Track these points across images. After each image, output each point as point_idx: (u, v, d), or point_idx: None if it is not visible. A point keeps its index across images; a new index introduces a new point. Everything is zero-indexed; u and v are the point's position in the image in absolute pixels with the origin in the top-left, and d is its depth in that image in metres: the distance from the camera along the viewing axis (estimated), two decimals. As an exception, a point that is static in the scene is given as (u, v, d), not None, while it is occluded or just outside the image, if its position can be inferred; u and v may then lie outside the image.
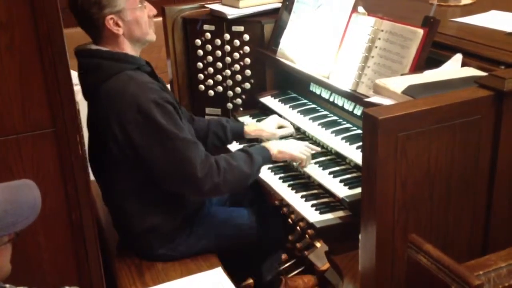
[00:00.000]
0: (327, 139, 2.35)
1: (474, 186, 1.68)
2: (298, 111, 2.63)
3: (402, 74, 2.03)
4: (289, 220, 2.60)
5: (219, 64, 2.91)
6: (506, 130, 1.65)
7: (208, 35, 2.88)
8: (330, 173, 2.23)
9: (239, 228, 2.41)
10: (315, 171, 2.29)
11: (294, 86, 2.83)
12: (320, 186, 2.25)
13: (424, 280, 1.47)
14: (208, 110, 3.03)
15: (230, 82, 2.93)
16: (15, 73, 1.80)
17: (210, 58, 2.92)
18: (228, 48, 2.86)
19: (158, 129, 2.03)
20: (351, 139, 2.28)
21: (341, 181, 2.17)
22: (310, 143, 2.42)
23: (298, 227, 2.89)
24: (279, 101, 2.78)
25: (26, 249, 1.96)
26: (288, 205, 2.36)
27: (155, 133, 2.04)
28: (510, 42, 2.02)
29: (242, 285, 2.70)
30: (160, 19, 2.80)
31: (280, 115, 2.66)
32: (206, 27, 2.88)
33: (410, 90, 1.67)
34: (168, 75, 3.06)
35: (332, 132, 2.37)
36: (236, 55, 2.86)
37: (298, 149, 2.32)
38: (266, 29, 2.81)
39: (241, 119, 2.81)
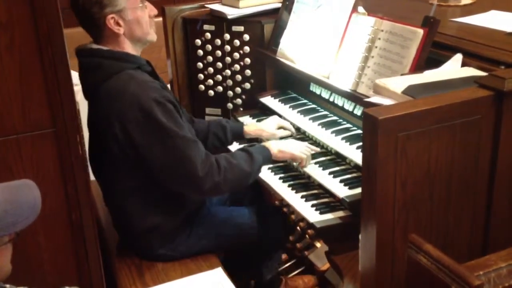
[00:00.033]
0: (327, 139, 2.35)
1: (474, 186, 1.68)
2: (298, 111, 2.63)
3: (402, 74, 2.03)
4: (289, 220, 2.61)
5: (219, 64, 2.92)
6: (506, 130, 1.65)
7: (208, 35, 2.88)
8: (330, 173, 2.23)
9: (240, 228, 2.41)
10: (315, 171, 2.29)
11: (294, 86, 2.83)
12: (320, 186, 2.25)
13: (424, 280, 1.47)
14: (208, 110, 3.03)
15: (230, 82, 2.93)
16: (15, 73, 1.80)
17: (210, 58, 2.92)
18: (228, 48, 2.86)
19: (158, 128, 2.03)
20: (351, 139, 2.28)
21: (341, 181, 2.17)
22: (310, 143, 2.43)
23: (298, 227, 2.89)
24: (279, 101, 2.78)
25: (26, 249, 1.96)
26: (288, 205, 2.36)
27: (155, 132, 2.04)
28: (510, 42, 2.02)
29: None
30: (160, 19, 2.80)
31: (280, 115, 2.66)
32: (206, 27, 2.88)
33: (410, 90, 1.68)
34: (168, 75, 3.06)
35: (332, 132, 2.37)
36: (236, 55, 2.86)
37: (299, 149, 2.32)
38: (266, 29, 2.81)
39: (241, 119, 2.81)
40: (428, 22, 2.03)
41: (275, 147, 2.33)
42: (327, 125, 2.44)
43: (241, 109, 2.94)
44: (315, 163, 2.33)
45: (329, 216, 2.08)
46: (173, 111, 2.08)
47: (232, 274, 2.24)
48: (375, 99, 1.78)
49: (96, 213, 2.51)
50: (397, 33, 2.13)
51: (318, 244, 2.87)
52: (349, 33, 2.35)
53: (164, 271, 2.25)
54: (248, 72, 2.88)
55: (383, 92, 1.78)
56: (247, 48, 2.83)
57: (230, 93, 2.94)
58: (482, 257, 1.52)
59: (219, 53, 2.89)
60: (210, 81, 2.96)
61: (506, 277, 1.44)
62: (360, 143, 2.14)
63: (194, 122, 2.55)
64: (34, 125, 1.87)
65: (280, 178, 2.37)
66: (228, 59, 2.89)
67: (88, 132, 2.26)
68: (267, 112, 2.77)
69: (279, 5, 2.84)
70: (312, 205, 2.15)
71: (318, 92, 2.63)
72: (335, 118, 2.50)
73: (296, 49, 2.63)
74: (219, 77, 2.94)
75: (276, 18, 2.81)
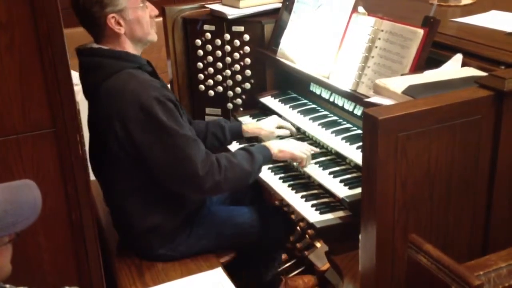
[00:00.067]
0: (327, 139, 2.35)
1: (474, 186, 1.68)
2: (298, 111, 2.63)
3: (402, 74, 2.03)
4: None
5: (219, 64, 2.92)
6: (506, 130, 1.65)
7: (208, 35, 2.88)
8: (330, 173, 2.23)
9: (240, 227, 2.41)
10: (315, 171, 2.29)
11: (294, 86, 2.83)
12: (320, 186, 2.25)
13: (424, 280, 1.47)
14: (208, 110, 3.03)
15: (230, 82, 2.93)
16: (15, 73, 1.80)
17: (210, 58, 2.92)
18: (228, 48, 2.86)
19: (159, 126, 2.03)
20: (351, 139, 2.28)
21: (341, 181, 2.17)
22: (310, 144, 2.43)
23: (298, 227, 2.89)
24: (279, 101, 2.78)
25: (26, 249, 1.96)
26: (288, 205, 2.36)
27: (156, 131, 2.04)
28: (510, 42, 2.02)
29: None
30: (160, 19, 2.80)
31: (280, 115, 2.66)
32: (206, 27, 2.88)
33: (410, 90, 1.68)
34: (168, 75, 3.06)
35: (332, 132, 2.37)
36: (236, 55, 2.86)
37: (299, 148, 2.32)
38: (266, 29, 2.81)
39: (241, 119, 2.81)
40: (428, 22, 2.03)
41: (275, 146, 2.33)
42: (327, 125, 2.44)
43: (241, 109, 2.94)
44: (315, 163, 2.33)
45: (329, 216, 2.08)
46: (174, 110, 2.08)
47: (232, 274, 2.24)
48: (375, 99, 1.78)
49: (96, 213, 2.51)
50: (397, 33, 2.13)
51: (318, 244, 2.87)
52: (349, 33, 2.35)
53: (164, 271, 2.25)
54: (248, 72, 2.88)
55: (383, 92, 1.78)
56: (247, 48, 2.83)
57: (230, 93, 2.94)
58: (482, 257, 1.52)
59: (219, 53, 2.89)
60: (210, 81, 2.96)
61: (506, 277, 1.44)
62: (360, 143, 2.14)
63: (192, 123, 2.54)
64: (34, 125, 1.87)
65: (280, 178, 2.37)
66: (228, 59, 2.89)
67: (88, 132, 2.26)
68: (267, 112, 2.77)
69: (279, 5, 2.84)
70: (312, 205, 2.15)
71: (318, 92, 2.63)
72: (335, 118, 2.50)
73: (296, 49, 2.63)
74: (219, 77, 2.94)
75: (276, 18, 2.81)
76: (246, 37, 2.82)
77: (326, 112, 2.57)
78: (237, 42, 2.84)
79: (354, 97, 2.27)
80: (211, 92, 2.98)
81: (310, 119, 2.53)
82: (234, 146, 2.64)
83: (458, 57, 1.93)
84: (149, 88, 2.06)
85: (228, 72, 2.91)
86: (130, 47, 2.19)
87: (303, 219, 2.21)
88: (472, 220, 1.72)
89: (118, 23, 2.13)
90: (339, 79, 2.35)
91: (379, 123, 1.46)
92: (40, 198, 1.55)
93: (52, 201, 1.95)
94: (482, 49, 1.96)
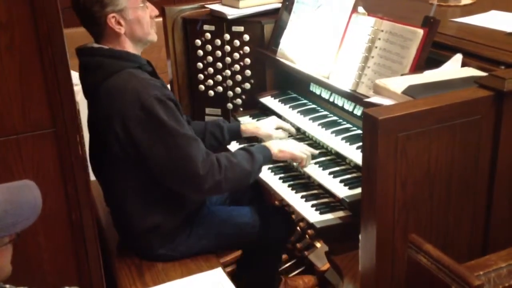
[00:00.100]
0: (327, 139, 2.35)
1: (474, 186, 1.68)
2: (298, 111, 2.63)
3: (402, 74, 2.03)
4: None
5: (219, 64, 2.92)
6: (506, 130, 1.65)
7: (208, 35, 2.88)
8: (330, 173, 2.23)
9: (240, 227, 2.41)
10: (315, 171, 2.29)
11: (294, 86, 2.83)
12: (320, 186, 2.25)
13: (424, 280, 1.48)
14: (208, 110, 3.03)
15: (230, 82, 2.93)
16: (15, 73, 1.80)
17: (210, 58, 2.92)
18: (228, 48, 2.86)
19: (160, 126, 2.03)
20: (351, 139, 2.28)
21: (341, 181, 2.17)
22: (310, 144, 2.43)
23: (298, 227, 2.89)
24: (279, 101, 2.78)
25: (26, 249, 1.96)
26: (288, 205, 2.36)
27: (157, 130, 2.04)
28: (510, 42, 2.02)
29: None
30: (160, 19, 2.80)
31: (280, 116, 2.66)
32: (206, 27, 2.88)
33: (410, 90, 1.68)
34: (168, 75, 3.06)
35: (332, 132, 2.37)
36: (236, 55, 2.86)
37: (299, 148, 2.33)
38: (266, 29, 2.81)
39: (241, 119, 2.81)
40: (428, 22, 2.04)
41: (276, 146, 2.33)
42: (327, 125, 2.44)
43: (241, 109, 2.94)
44: (315, 163, 2.33)
45: (329, 216, 2.08)
46: (174, 109, 2.08)
47: (232, 274, 2.24)
48: (375, 99, 1.78)
49: (96, 213, 2.51)
50: (397, 33, 2.13)
51: (318, 244, 2.87)
52: (349, 33, 2.35)
53: (164, 271, 2.25)
54: (248, 72, 2.88)
55: (383, 92, 1.78)
56: (247, 48, 2.83)
57: (230, 93, 2.94)
58: (482, 257, 1.52)
59: (219, 53, 2.89)
60: (210, 81, 2.96)
61: (506, 277, 1.45)
62: (360, 143, 2.14)
63: (191, 124, 2.54)
64: (34, 125, 1.87)
65: (280, 178, 2.37)
66: (228, 59, 2.89)
67: (88, 132, 2.26)
68: (267, 112, 2.77)
69: (279, 5, 2.84)
70: (312, 205, 2.15)
71: (318, 92, 2.63)
72: (335, 118, 2.50)
73: (296, 49, 2.63)
74: (219, 77, 2.94)
75: (276, 18, 2.81)
76: (246, 37, 2.82)
77: (326, 112, 2.57)
78: (237, 42, 2.84)
79: (354, 97, 2.27)
80: (211, 92, 2.98)
81: (310, 119, 2.53)
82: (234, 146, 2.64)
83: (458, 57, 1.93)
84: (150, 87, 2.06)
85: (228, 72, 2.91)
86: (130, 47, 2.19)
87: (303, 219, 2.21)
88: (472, 220, 1.72)
89: (118, 23, 2.13)
90: (339, 79, 2.35)
91: (379, 123, 1.46)
92: (40, 198, 1.55)
93: (52, 201, 1.95)
94: (482, 49, 1.96)
